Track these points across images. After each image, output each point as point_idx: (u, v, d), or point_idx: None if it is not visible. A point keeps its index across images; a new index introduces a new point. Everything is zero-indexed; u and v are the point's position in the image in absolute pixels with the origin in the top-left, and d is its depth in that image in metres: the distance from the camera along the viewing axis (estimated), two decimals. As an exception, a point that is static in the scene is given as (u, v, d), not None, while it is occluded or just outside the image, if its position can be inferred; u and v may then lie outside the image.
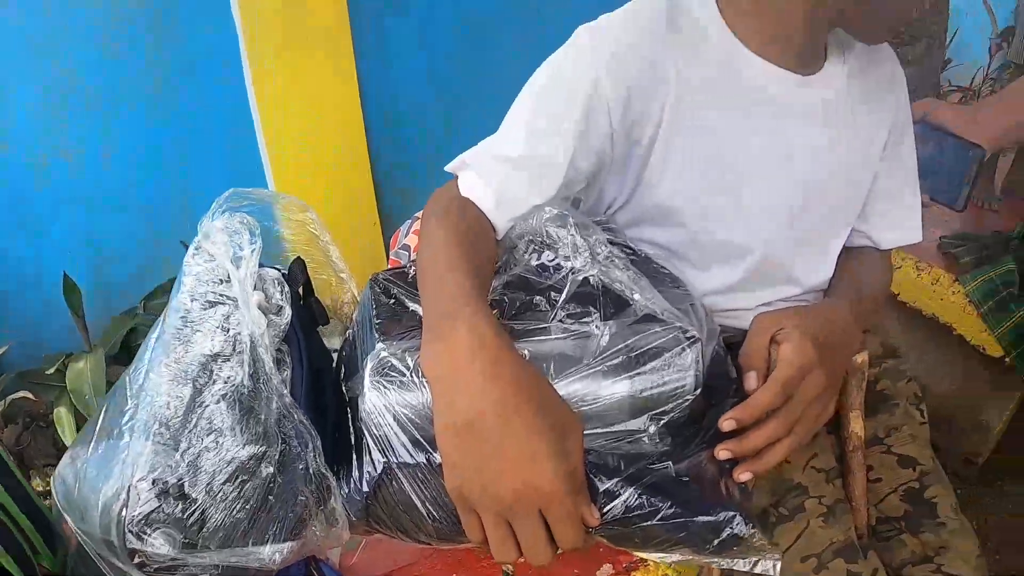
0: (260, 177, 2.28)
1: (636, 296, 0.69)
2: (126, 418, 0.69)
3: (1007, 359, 1.85)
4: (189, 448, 0.62)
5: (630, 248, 0.79)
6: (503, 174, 0.78)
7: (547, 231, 0.73)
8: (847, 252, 1.00)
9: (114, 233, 2.26)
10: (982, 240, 1.99)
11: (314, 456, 0.64)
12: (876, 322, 1.16)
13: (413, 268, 0.74)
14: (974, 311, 1.85)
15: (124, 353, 2.13)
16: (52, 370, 2.06)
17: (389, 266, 1.02)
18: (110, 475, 0.65)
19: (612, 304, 0.69)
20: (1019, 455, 2.06)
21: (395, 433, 0.64)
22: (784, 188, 0.86)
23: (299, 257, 0.83)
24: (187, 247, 1.82)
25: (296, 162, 2.31)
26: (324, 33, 2.25)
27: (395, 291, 0.74)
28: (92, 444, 0.71)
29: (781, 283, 0.92)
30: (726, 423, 0.69)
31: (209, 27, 2.17)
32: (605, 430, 0.66)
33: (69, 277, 2.07)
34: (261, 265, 0.78)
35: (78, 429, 1.92)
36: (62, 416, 1.92)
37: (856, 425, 0.92)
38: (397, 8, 2.40)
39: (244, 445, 0.62)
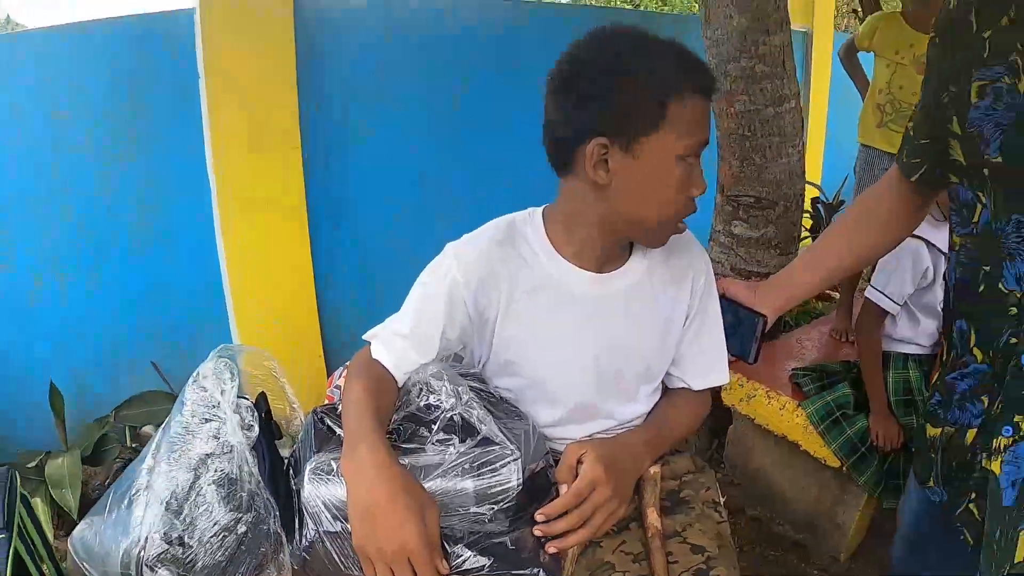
0: (224, 319, 2.65)
1: (483, 427, 1.07)
2: (137, 493, 1.05)
3: (843, 468, 2.19)
4: (189, 513, 0.99)
5: (488, 392, 1.18)
6: (398, 344, 1.18)
7: (430, 382, 1.12)
8: (667, 391, 1.39)
9: (93, 350, 2.56)
10: (829, 368, 2.38)
11: (273, 521, 1.01)
12: (680, 441, 1.46)
13: (340, 405, 1.13)
14: (814, 430, 2.21)
15: (95, 455, 2.41)
16: (33, 464, 2.31)
17: (326, 401, 1.39)
18: (128, 532, 1.01)
19: (467, 432, 1.07)
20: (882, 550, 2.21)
21: (323, 510, 1.02)
22: (587, 356, 1.23)
23: (263, 392, 1.21)
24: (157, 368, 2.24)
25: (255, 307, 2.70)
26: (283, 200, 2.64)
27: (328, 420, 1.13)
28: (106, 514, 1.07)
29: (599, 418, 1.28)
30: (538, 515, 1.07)
31: (186, 190, 2.56)
32: (460, 513, 1.03)
33: (55, 386, 2.36)
34: (239, 396, 1.15)
35: (53, 518, 2.19)
36: (38, 506, 2.14)
37: (652, 518, 1.26)
38: (347, 179, 2.87)
39: (227, 512, 0.99)
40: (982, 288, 1.04)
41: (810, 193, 3.61)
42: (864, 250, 1.37)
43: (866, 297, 2.16)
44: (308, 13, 2.71)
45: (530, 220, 1.24)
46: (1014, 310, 0.98)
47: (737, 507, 2.57)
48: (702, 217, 2.70)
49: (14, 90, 2.29)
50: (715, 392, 2.45)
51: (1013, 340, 0.98)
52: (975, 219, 1.03)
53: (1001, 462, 0.99)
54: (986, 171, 0.98)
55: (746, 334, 1.40)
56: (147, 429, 2.55)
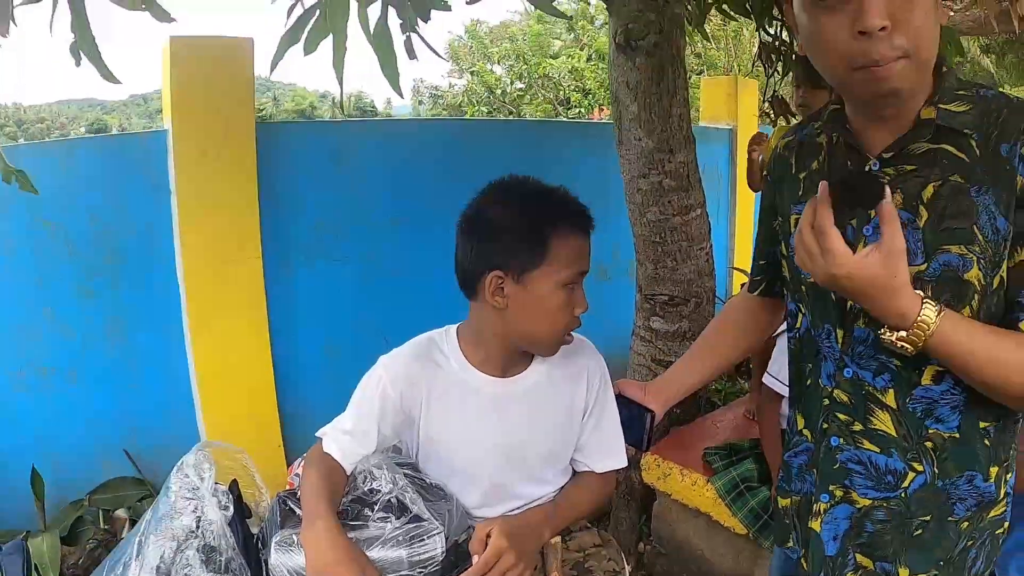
0: (192, 413, 2.94)
1: (414, 507, 1.35)
2: (130, 561, 1.31)
3: (750, 535, 2.42)
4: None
5: (420, 478, 1.46)
6: (344, 440, 1.46)
7: (372, 470, 1.40)
8: (575, 473, 1.67)
9: (71, 439, 2.79)
10: (737, 446, 2.67)
11: (247, 581, 1.27)
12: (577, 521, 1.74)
13: (299, 491, 1.40)
14: (722, 502, 2.48)
15: (71, 536, 2.61)
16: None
17: (288, 487, 1.66)
18: None
19: (402, 511, 1.35)
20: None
21: (285, 574, 1.28)
22: (496, 448, 1.51)
23: (235, 479, 1.48)
24: (129, 456, 2.50)
25: (221, 403, 2.98)
26: (246, 306, 2.95)
27: (289, 503, 1.40)
28: None
29: (511, 499, 1.55)
30: None
31: (158, 294, 2.86)
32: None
33: (36, 471, 2.57)
34: (215, 483, 1.42)
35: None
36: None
37: None
38: (304, 288, 3.23)
39: (205, 570, 1.25)
40: (808, 382, 1.31)
41: (740, 279, 3.95)
42: (729, 354, 1.64)
43: (763, 382, 2.46)
44: (268, 137, 3.04)
45: (446, 336, 1.55)
46: (826, 401, 1.26)
47: (668, 574, 2.81)
48: (625, 314, 3.03)
49: (4, 195, 2.54)
50: (638, 471, 2.74)
51: (825, 425, 1.26)
52: (798, 325, 1.32)
53: (821, 522, 1.28)
54: (804, 288, 1.27)
55: (639, 426, 1.62)
56: (119, 513, 2.76)
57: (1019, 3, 3.83)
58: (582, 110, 17.51)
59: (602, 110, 15.22)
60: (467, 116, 17.22)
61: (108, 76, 1.73)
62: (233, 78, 2.88)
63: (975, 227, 1.04)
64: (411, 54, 1.67)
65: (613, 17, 2.65)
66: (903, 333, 1.03)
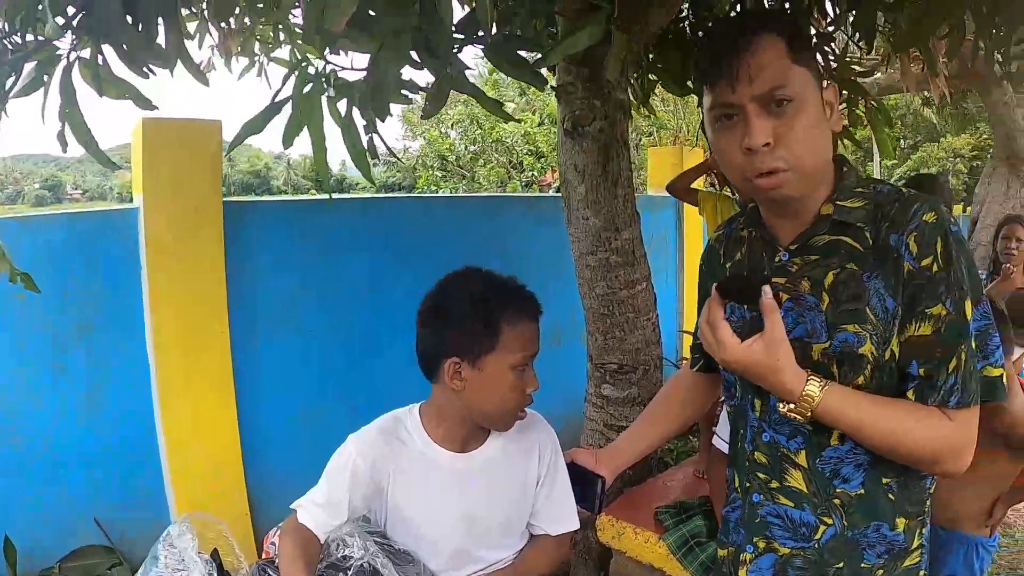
0: (160, 483, 3.04)
1: (384, 571, 1.47)
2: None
3: None
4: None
5: (389, 544, 1.59)
6: (317, 511, 1.58)
7: (344, 538, 1.53)
8: (532, 536, 1.80)
9: (43, 507, 2.85)
10: (687, 504, 2.81)
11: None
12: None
13: (276, 559, 1.51)
14: (673, 557, 2.60)
15: (43, 602, 2.66)
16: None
17: (265, 555, 1.76)
18: None
19: (371, 573, 1.47)
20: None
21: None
22: (456, 516, 1.64)
23: (216, 548, 1.58)
24: (99, 524, 2.58)
25: (189, 473, 3.07)
26: (214, 377, 3.07)
27: (268, 570, 1.52)
28: None
29: (472, 563, 1.68)
30: None
31: (129, 366, 2.96)
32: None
33: (9, 539, 2.63)
34: (198, 552, 1.53)
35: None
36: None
37: None
38: (270, 359, 3.34)
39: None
40: (739, 446, 1.47)
41: (689, 341, 4.13)
42: (674, 424, 1.79)
43: (711, 442, 2.62)
44: (236, 214, 3.19)
45: (409, 414, 1.70)
46: (748, 463, 1.42)
47: (627, 629, 2.92)
48: (579, 378, 3.18)
49: None
50: (594, 531, 2.86)
51: (748, 484, 1.42)
52: (736, 394, 1.48)
53: (747, 570, 1.43)
54: None
55: (591, 491, 1.74)
56: (86, 580, 2.82)
57: (937, 79, 4.13)
58: (535, 172, 17.85)
59: (553, 172, 15.54)
60: (421, 179, 17.44)
61: (105, 162, 1.86)
62: (202, 159, 3.04)
63: (868, 308, 1.22)
64: (373, 154, 1.83)
65: (561, 104, 2.84)
66: (792, 405, 1.22)
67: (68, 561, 2.82)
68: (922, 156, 25.54)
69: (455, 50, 1.60)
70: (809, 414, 1.22)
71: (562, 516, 1.78)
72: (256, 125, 1.86)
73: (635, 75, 3.38)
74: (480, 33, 1.77)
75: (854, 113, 3.44)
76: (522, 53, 1.87)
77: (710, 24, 3.16)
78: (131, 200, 3.08)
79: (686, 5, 3.18)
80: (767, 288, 1.22)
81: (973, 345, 1.20)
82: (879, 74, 5.13)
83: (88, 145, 1.74)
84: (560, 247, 3.22)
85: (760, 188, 1.23)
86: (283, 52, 3.84)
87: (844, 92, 3.27)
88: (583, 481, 1.76)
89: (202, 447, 3.08)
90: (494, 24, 0.90)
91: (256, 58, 3.90)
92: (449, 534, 1.65)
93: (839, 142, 3.44)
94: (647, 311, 2.99)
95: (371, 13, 1.52)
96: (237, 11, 3.10)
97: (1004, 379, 1.25)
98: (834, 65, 3.30)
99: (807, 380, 1.21)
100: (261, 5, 2.62)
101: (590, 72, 2.72)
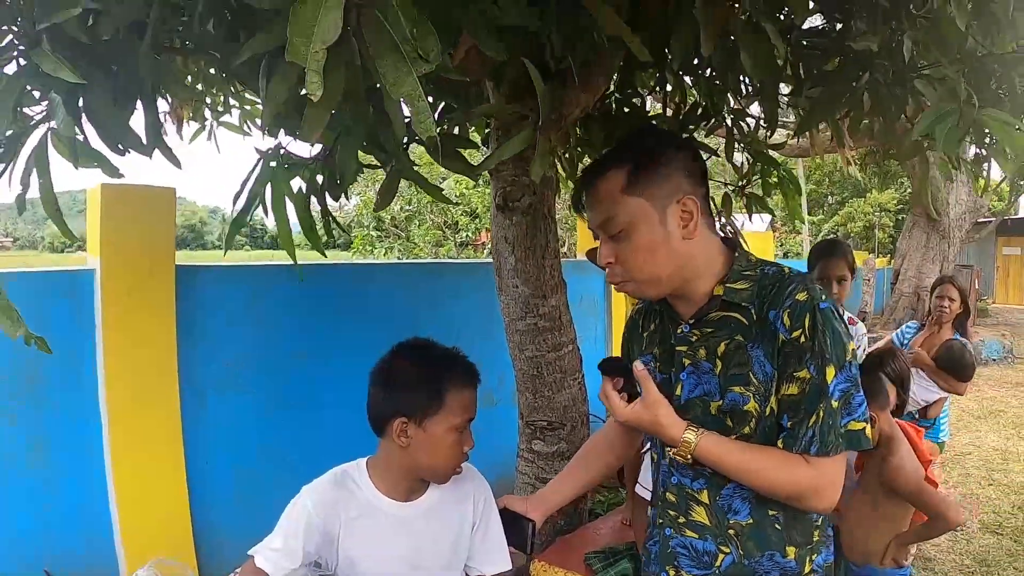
0: (109, 534, 3.15)
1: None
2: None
3: None
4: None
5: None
6: (273, 555, 1.74)
7: (295, 582, 1.69)
8: None
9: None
10: (615, 549, 2.98)
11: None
12: None
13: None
14: None
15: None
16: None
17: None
18: None
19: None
20: None
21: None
22: (401, 559, 1.80)
23: (179, 587, 1.74)
24: (49, 575, 2.67)
25: (139, 522, 3.20)
26: (164, 438, 3.26)
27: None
28: None
29: None
30: None
31: (80, 423, 3.08)
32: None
33: None
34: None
35: None
36: None
37: None
38: (221, 419, 3.50)
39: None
40: (656, 488, 1.73)
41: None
42: (600, 469, 1.98)
43: (635, 491, 2.83)
44: (187, 277, 3.37)
45: (358, 467, 1.87)
46: (661, 502, 1.68)
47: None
48: (511, 437, 3.36)
49: None
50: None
51: (660, 520, 1.68)
52: (652, 446, 1.74)
53: None
54: None
55: (522, 534, 1.90)
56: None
57: (843, 149, 4.46)
58: (469, 233, 18.06)
59: (487, 232, 15.80)
60: (356, 238, 17.49)
61: (68, 235, 2.01)
62: (157, 224, 3.22)
63: (751, 373, 1.48)
64: (328, 232, 2.04)
65: (494, 180, 3.08)
66: (676, 449, 1.50)
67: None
68: (849, 211, 26.54)
69: (403, 146, 1.82)
70: (689, 457, 1.49)
71: (495, 558, 1.95)
72: (241, 220, 2.05)
73: (563, 151, 3.64)
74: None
75: (767, 183, 3.73)
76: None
77: (632, 100, 3.49)
78: (62, 251, 3.18)
79: (611, 86, 3.48)
80: (637, 363, 1.57)
81: (834, 404, 1.43)
82: (791, 141, 5.50)
83: (55, 216, 1.86)
84: (493, 313, 3.42)
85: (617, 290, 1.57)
86: (231, 117, 4.08)
87: (757, 163, 3.58)
88: (515, 525, 1.93)
89: (151, 499, 3.18)
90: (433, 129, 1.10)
91: (206, 123, 4.11)
92: (393, 573, 1.82)
93: (752, 207, 3.76)
94: (574, 371, 3.22)
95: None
96: (188, 81, 3.31)
97: (867, 432, 1.47)
98: (748, 139, 3.60)
99: (685, 429, 1.49)
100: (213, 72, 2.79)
101: (520, 154, 2.95)
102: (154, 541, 3.14)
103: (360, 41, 1.10)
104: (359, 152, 1.81)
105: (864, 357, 3.06)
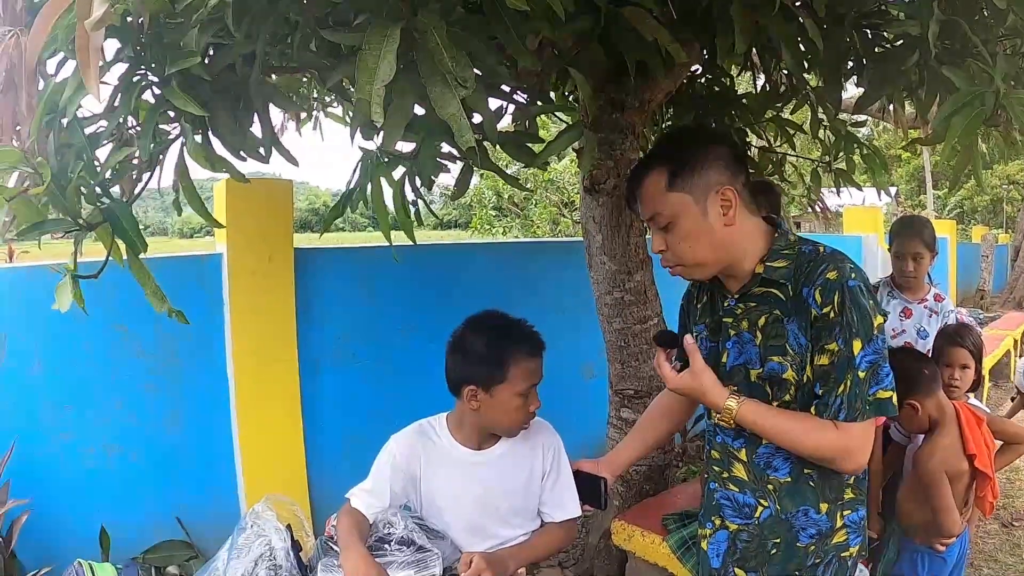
0: (234, 489, 3.53)
1: (420, 541, 1.91)
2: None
3: None
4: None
5: (424, 523, 2.03)
6: (365, 496, 2.03)
7: (389, 518, 1.97)
8: (543, 523, 2.21)
9: (130, 506, 3.30)
10: (690, 512, 3.08)
11: (303, 590, 1.84)
12: (541, 558, 2.23)
13: (335, 535, 1.96)
14: (674, 556, 2.93)
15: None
16: None
17: (327, 534, 2.18)
18: None
19: (411, 544, 1.91)
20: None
21: (330, 587, 1.85)
22: (474, 501, 2.05)
23: (289, 523, 2.05)
24: (180, 523, 3.07)
25: (261, 478, 3.56)
26: (283, 397, 3.59)
27: (329, 543, 1.97)
28: None
29: (488, 539, 2.07)
30: None
31: (211, 388, 3.46)
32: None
33: (105, 529, 3.05)
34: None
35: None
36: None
37: None
38: (332, 384, 3.83)
39: (275, 587, 1.82)
40: (708, 445, 1.88)
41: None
42: (662, 432, 2.20)
43: None
44: (305, 260, 3.71)
45: (438, 420, 2.15)
46: (707, 459, 1.86)
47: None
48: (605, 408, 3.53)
49: (89, 307, 3.03)
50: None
51: (707, 475, 1.86)
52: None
53: (707, 543, 1.83)
54: None
55: (595, 491, 2.10)
56: (171, 569, 3.25)
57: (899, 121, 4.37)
58: (586, 212, 17.97)
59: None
60: (475, 217, 17.78)
61: (213, 223, 2.32)
62: (277, 212, 3.57)
63: (787, 344, 1.63)
64: (418, 219, 2.30)
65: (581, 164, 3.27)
66: (719, 415, 1.68)
67: (152, 553, 3.26)
68: (975, 184, 25.12)
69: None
70: (732, 422, 1.67)
71: (565, 504, 2.17)
72: (339, 210, 2.43)
73: (652, 132, 3.78)
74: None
75: (850, 159, 3.79)
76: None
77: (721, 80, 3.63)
78: (191, 236, 3.52)
79: (698, 68, 3.59)
80: (687, 337, 1.75)
81: (861, 374, 1.57)
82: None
83: (201, 211, 2.17)
84: (590, 290, 3.59)
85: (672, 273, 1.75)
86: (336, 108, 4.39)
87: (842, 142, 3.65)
88: (590, 484, 2.13)
89: (273, 458, 3.55)
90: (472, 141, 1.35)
91: (314, 114, 4.44)
92: (469, 514, 2.07)
93: (841, 184, 3.82)
94: (658, 344, 3.39)
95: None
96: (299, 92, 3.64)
97: (894, 400, 1.61)
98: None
99: (728, 397, 1.67)
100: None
101: (604, 136, 3.11)
102: (273, 491, 3.49)
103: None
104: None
105: (939, 331, 3.08)
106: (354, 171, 2.34)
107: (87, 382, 3.22)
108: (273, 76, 2.38)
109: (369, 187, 2.22)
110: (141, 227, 1.95)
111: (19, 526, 2.84)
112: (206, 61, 1.76)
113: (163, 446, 3.39)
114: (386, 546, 1.92)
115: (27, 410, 3.07)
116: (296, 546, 1.98)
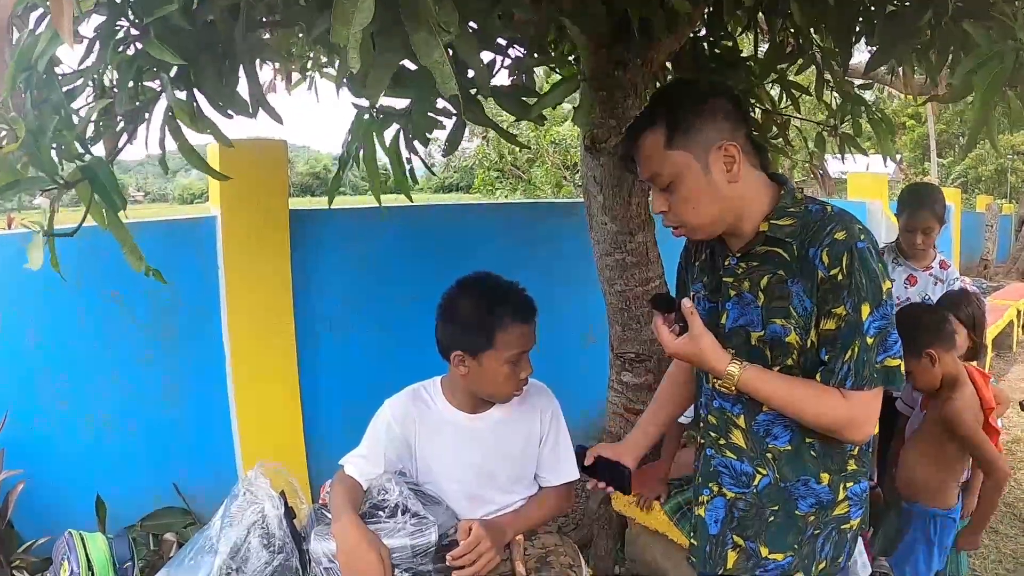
0: (231, 459, 3.50)
1: (415, 508, 1.88)
2: (206, 548, 1.84)
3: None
4: (242, 554, 1.77)
5: (420, 489, 1.99)
6: (359, 462, 1.99)
7: (383, 484, 1.93)
8: (540, 489, 2.18)
9: (127, 475, 3.28)
10: (688, 477, 3.06)
11: (296, 559, 1.80)
12: (539, 524, 2.18)
13: (328, 502, 1.92)
14: (669, 520, 2.91)
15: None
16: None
17: (321, 502, 2.16)
18: (200, 567, 1.79)
19: (405, 511, 1.88)
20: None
21: (321, 557, 1.81)
22: (470, 466, 2.03)
23: (283, 490, 2.01)
24: (177, 489, 3.03)
25: (257, 448, 3.51)
26: (280, 365, 3.55)
27: (323, 511, 1.94)
28: (184, 563, 1.86)
29: (486, 505, 2.05)
30: (448, 556, 1.85)
31: (206, 354, 3.43)
32: (403, 557, 1.82)
33: (101, 497, 3.02)
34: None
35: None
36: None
37: (519, 569, 1.98)
38: (329, 350, 3.79)
39: (265, 551, 1.78)
40: (703, 409, 1.80)
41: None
42: (676, 406, 2.07)
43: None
44: (301, 223, 3.64)
45: (433, 384, 2.11)
46: (703, 425, 1.78)
47: (640, 592, 3.25)
48: (606, 373, 3.47)
49: (82, 275, 3.01)
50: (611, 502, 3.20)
51: (703, 440, 1.79)
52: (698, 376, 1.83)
53: (704, 509, 1.78)
54: None
55: (620, 478, 1.95)
56: (168, 536, 3.22)
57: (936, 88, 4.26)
58: (589, 174, 17.85)
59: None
60: (478, 179, 17.64)
61: (217, 176, 2.27)
62: (271, 174, 3.49)
63: (791, 307, 1.56)
64: (414, 179, 2.23)
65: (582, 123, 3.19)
66: (720, 381, 1.60)
67: (149, 520, 3.26)
68: (979, 154, 25.18)
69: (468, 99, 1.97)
70: (733, 387, 1.59)
71: (562, 468, 2.14)
72: (340, 177, 2.42)
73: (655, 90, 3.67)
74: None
75: (858, 123, 3.68)
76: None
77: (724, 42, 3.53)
78: (191, 202, 3.48)
79: (701, 26, 3.49)
80: (685, 300, 1.64)
81: (869, 340, 1.50)
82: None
83: (201, 166, 2.11)
84: (590, 253, 3.53)
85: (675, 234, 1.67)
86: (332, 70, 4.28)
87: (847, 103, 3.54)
88: (613, 472, 1.98)
89: (270, 425, 3.52)
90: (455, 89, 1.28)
91: (308, 74, 4.34)
92: (465, 479, 2.04)
93: (846, 149, 3.72)
94: (660, 307, 3.33)
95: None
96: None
97: (902, 369, 1.55)
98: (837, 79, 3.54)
99: (729, 362, 1.58)
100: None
101: (606, 95, 3.03)
102: (271, 460, 3.49)
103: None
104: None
105: (940, 298, 3.04)
106: (348, 132, 2.26)
107: (82, 352, 3.17)
108: (263, 33, 2.30)
109: (361, 148, 2.14)
110: (141, 193, 1.88)
111: (15, 496, 2.81)
112: (191, 10, 1.68)
113: (159, 417, 3.37)
114: (380, 513, 1.89)
115: (20, 379, 3.03)
116: (290, 513, 1.94)
